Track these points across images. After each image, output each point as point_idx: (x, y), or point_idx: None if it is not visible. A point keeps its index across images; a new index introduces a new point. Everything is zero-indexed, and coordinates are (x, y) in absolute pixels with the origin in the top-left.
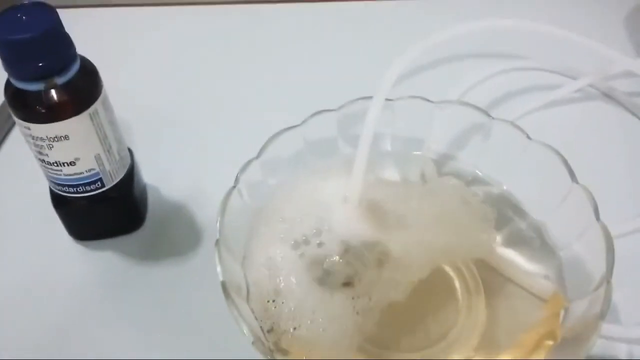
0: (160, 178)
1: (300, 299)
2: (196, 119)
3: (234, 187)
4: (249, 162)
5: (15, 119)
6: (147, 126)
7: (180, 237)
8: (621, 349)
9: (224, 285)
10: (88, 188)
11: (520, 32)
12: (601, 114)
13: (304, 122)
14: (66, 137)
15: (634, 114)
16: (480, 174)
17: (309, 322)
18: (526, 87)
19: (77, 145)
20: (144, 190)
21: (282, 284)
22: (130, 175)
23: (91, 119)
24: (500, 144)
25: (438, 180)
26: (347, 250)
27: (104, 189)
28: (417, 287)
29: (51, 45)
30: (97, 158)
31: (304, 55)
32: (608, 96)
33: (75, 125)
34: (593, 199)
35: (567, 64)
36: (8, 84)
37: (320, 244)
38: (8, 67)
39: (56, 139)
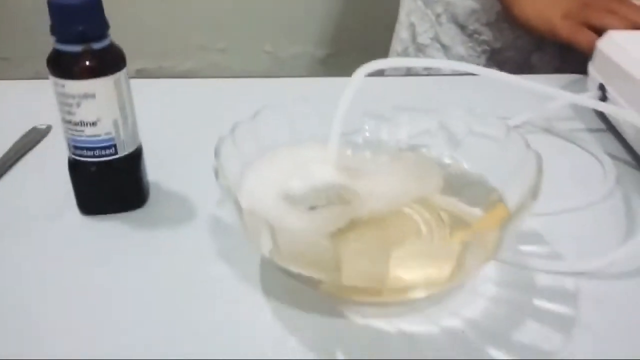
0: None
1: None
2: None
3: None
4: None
5: (53, 78)
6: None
7: (178, 216)
8: (569, 283)
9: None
10: (104, 152)
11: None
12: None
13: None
14: (92, 96)
15: (573, 142)
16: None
17: None
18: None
19: (100, 106)
20: (145, 174)
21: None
22: (139, 153)
23: (115, 85)
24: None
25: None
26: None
27: (116, 156)
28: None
29: (92, 16)
30: (115, 124)
31: None
32: (547, 131)
33: (101, 86)
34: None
35: (506, 103)
36: (51, 56)
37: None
38: (57, 29)
39: (84, 97)
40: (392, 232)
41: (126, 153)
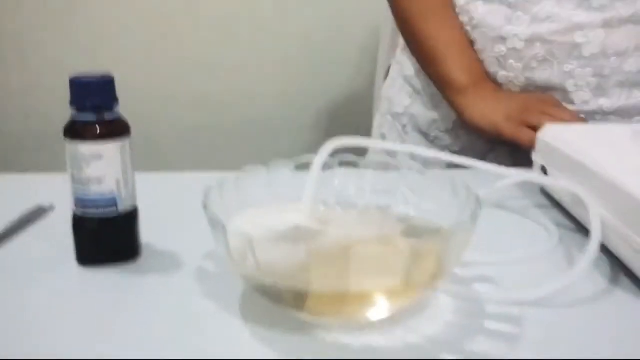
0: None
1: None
2: None
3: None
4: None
5: (70, 142)
6: None
7: (167, 266)
8: (514, 310)
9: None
10: (107, 210)
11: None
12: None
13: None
14: (100, 157)
15: (520, 214)
16: None
17: None
18: None
19: (105, 166)
20: (139, 231)
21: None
22: (136, 211)
23: (120, 150)
24: None
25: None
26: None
27: (117, 213)
28: None
29: (105, 91)
30: (117, 183)
31: None
32: (499, 206)
33: (109, 149)
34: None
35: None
36: (67, 125)
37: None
38: (76, 102)
39: (94, 157)
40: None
41: (126, 210)
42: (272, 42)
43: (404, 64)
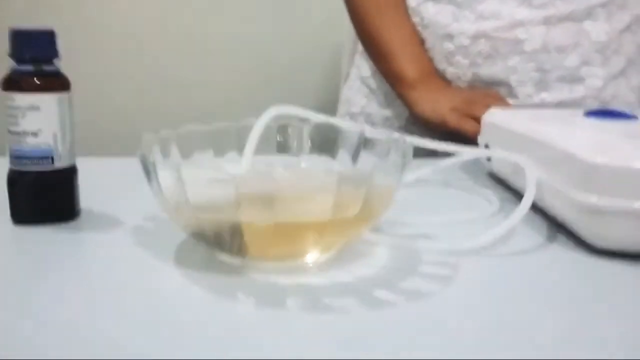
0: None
1: None
2: None
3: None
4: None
5: (6, 94)
6: None
7: (105, 225)
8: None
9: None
10: (42, 162)
11: None
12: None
13: None
14: (37, 108)
15: (464, 190)
16: None
17: None
18: None
19: (42, 118)
20: (78, 192)
21: None
22: (74, 169)
23: (58, 103)
24: None
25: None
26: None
27: (53, 167)
28: None
29: (44, 43)
30: (54, 137)
31: None
32: (444, 184)
33: (46, 101)
34: None
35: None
36: (5, 77)
37: None
38: (14, 53)
39: (30, 109)
40: None
41: (62, 166)
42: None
43: (361, 67)
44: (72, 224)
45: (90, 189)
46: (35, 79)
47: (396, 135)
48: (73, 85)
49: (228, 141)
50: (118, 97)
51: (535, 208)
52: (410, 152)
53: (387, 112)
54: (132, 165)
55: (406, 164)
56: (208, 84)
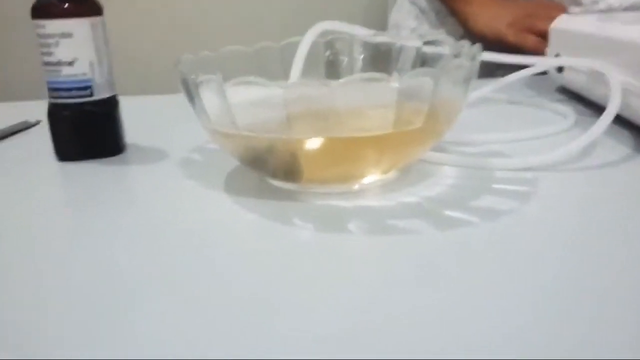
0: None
1: None
2: None
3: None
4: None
5: (35, 21)
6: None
7: (152, 160)
8: (527, 175)
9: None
10: (80, 93)
11: None
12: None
13: None
14: (70, 35)
15: (535, 106)
16: None
17: None
18: None
19: (77, 45)
20: (122, 125)
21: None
22: (115, 101)
23: (92, 27)
24: None
25: None
26: None
27: (92, 98)
28: None
29: None
30: (91, 65)
31: None
32: (511, 102)
33: (78, 26)
34: None
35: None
36: (35, 4)
37: None
38: None
39: (63, 36)
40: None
41: (102, 97)
42: None
43: None
44: (118, 158)
45: (133, 126)
46: (65, 4)
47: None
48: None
49: (273, 61)
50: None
51: (618, 119)
52: (480, 54)
53: (440, 32)
54: (175, 101)
55: (475, 69)
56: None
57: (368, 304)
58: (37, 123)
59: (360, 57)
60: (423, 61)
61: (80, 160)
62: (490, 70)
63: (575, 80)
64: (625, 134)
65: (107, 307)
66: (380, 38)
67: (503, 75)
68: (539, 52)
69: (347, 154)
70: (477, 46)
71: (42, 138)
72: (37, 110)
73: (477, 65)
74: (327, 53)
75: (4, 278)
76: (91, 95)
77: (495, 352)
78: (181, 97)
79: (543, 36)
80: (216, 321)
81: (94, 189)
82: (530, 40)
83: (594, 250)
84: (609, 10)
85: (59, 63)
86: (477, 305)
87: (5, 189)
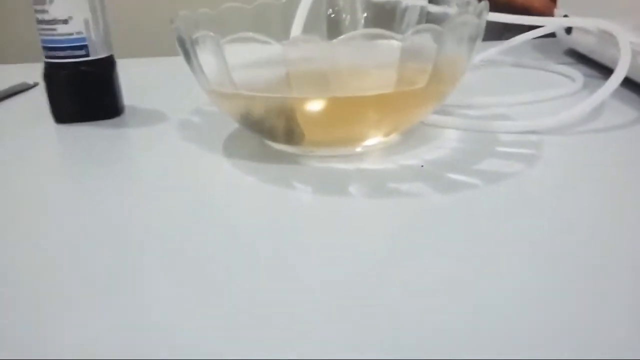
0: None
1: None
2: None
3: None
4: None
5: None
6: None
7: (150, 121)
8: (532, 139)
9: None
10: (76, 53)
11: None
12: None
13: None
14: None
15: (542, 69)
16: None
17: None
18: None
19: (72, 3)
20: (119, 86)
21: None
22: (112, 61)
23: None
24: None
25: None
26: None
27: (88, 58)
28: None
29: None
30: (86, 23)
31: None
32: (516, 65)
33: None
34: None
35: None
36: None
37: None
38: None
39: None
40: None
41: (98, 57)
42: None
43: None
44: (115, 120)
45: (131, 89)
46: None
47: None
48: None
49: (273, 19)
50: None
51: (627, 82)
52: (487, 11)
53: None
54: (173, 63)
55: (482, 27)
56: None
57: (369, 269)
58: (35, 85)
59: (363, 16)
60: (428, 21)
61: (77, 122)
62: (497, 34)
63: (583, 42)
64: (634, 97)
65: (106, 269)
66: None
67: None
68: (547, 13)
69: (348, 115)
70: (484, 3)
71: (40, 100)
72: (36, 72)
73: (483, 22)
74: (329, 11)
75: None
76: (87, 54)
77: (499, 317)
78: (180, 59)
79: None
80: (214, 286)
81: (91, 151)
82: (538, 1)
83: (600, 213)
84: None
85: (53, 21)
86: (480, 268)
87: (1, 152)
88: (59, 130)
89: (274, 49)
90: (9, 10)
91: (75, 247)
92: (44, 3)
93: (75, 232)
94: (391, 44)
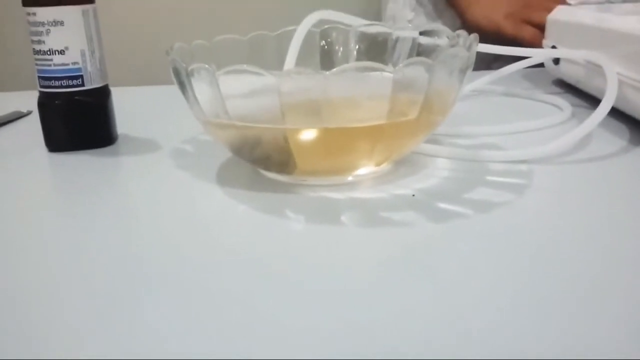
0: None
1: None
2: None
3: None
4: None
5: (26, 9)
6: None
7: (144, 150)
8: (522, 167)
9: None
10: (71, 82)
11: None
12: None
13: None
14: (61, 23)
15: (531, 98)
16: None
17: None
18: None
19: (68, 34)
20: (114, 115)
21: None
22: (107, 91)
23: (83, 15)
24: None
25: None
26: None
27: (83, 87)
28: None
29: None
30: (82, 54)
31: None
32: (506, 94)
33: (70, 14)
34: None
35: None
36: None
37: None
38: None
39: (54, 24)
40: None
41: (94, 86)
42: None
43: None
44: (109, 149)
45: (125, 117)
46: None
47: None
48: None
49: (267, 51)
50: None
51: (615, 112)
52: (477, 43)
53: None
54: (166, 92)
55: (472, 59)
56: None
57: (360, 297)
58: (28, 113)
59: (355, 48)
60: (419, 52)
61: (71, 151)
62: (487, 64)
63: (571, 73)
64: (621, 126)
65: (99, 298)
66: (376, 28)
67: (499, 67)
68: (536, 44)
69: (340, 145)
70: (474, 36)
71: (33, 128)
72: (29, 100)
73: (473, 55)
74: (322, 43)
75: None
76: (82, 84)
77: (489, 345)
78: (174, 89)
79: (541, 28)
80: (205, 315)
81: (84, 180)
82: (528, 31)
83: (589, 243)
84: (606, 1)
85: (50, 51)
86: (470, 298)
87: None
88: (52, 159)
89: (268, 80)
90: (5, 37)
91: (67, 276)
92: (40, 34)
93: (67, 261)
94: (383, 76)
